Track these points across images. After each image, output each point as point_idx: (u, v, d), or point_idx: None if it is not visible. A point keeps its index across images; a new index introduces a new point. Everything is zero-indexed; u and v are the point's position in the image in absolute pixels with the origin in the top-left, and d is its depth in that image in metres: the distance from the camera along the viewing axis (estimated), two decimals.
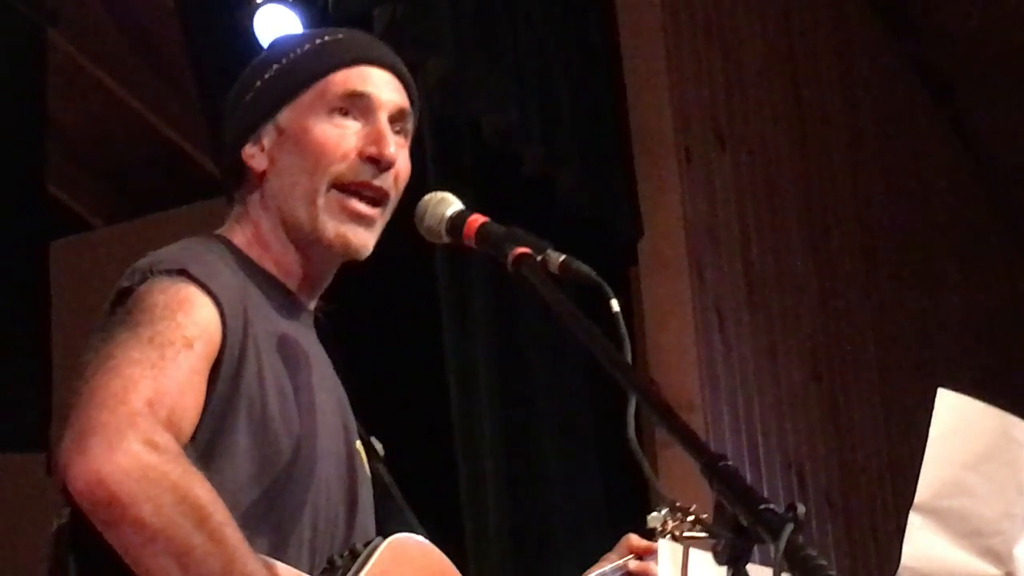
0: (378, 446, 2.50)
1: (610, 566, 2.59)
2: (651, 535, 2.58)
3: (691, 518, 2.41)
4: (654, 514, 2.55)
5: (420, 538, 2.34)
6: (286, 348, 2.32)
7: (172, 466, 2.03)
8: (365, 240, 2.37)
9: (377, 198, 2.38)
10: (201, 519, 2.03)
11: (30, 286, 5.15)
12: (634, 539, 2.60)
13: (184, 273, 2.21)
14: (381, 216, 2.39)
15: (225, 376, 2.19)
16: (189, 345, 2.15)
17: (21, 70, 5.25)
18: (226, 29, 4.69)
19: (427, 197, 2.32)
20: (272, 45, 2.54)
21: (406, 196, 2.41)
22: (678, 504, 2.60)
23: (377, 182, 2.37)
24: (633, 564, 2.59)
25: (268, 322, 2.31)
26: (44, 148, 5.30)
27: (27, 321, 5.11)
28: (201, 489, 2.05)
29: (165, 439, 2.05)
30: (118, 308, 2.20)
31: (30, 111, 5.23)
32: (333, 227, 2.35)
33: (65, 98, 5.93)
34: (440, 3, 4.30)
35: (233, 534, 2.05)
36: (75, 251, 6.16)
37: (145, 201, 6.39)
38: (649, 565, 2.58)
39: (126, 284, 2.22)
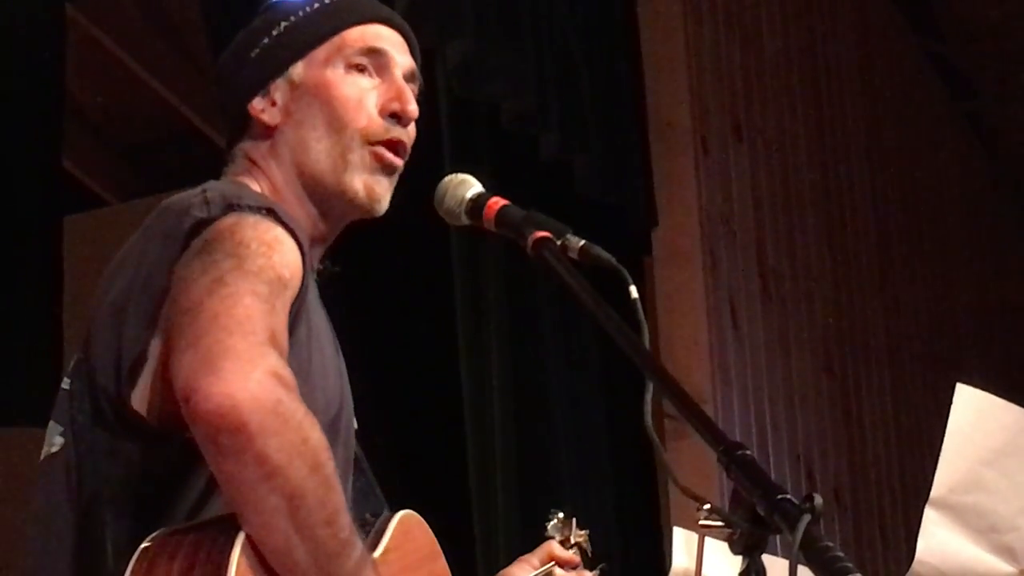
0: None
1: (535, 573, 2.57)
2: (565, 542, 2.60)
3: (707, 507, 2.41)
4: (553, 522, 2.59)
5: (416, 514, 2.32)
6: (324, 308, 2.29)
7: (297, 404, 1.96)
8: (386, 192, 2.36)
9: (401, 150, 2.37)
10: (317, 464, 1.96)
11: (43, 261, 5.13)
12: (556, 547, 2.59)
13: (272, 213, 2.14)
14: (400, 169, 2.38)
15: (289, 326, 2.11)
16: (285, 286, 2.08)
17: (40, 46, 5.23)
18: (246, 7, 4.67)
19: (447, 178, 2.32)
20: (272, 6, 2.53)
21: (423, 177, 2.41)
22: (561, 517, 2.62)
23: (404, 137, 2.37)
24: (559, 572, 2.58)
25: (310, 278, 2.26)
26: (61, 124, 5.29)
27: (39, 296, 5.09)
28: (318, 433, 1.98)
29: (290, 375, 1.97)
30: (202, 237, 2.10)
31: (48, 87, 5.21)
32: (360, 177, 2.33)
33: (83, 75, 5.92)
34: None
35: (338, 486, 1.99)
36: (89, 227, 6.14)
37: (160, 179, 6.37)
38: None
39: (202, 215, 2.12)
